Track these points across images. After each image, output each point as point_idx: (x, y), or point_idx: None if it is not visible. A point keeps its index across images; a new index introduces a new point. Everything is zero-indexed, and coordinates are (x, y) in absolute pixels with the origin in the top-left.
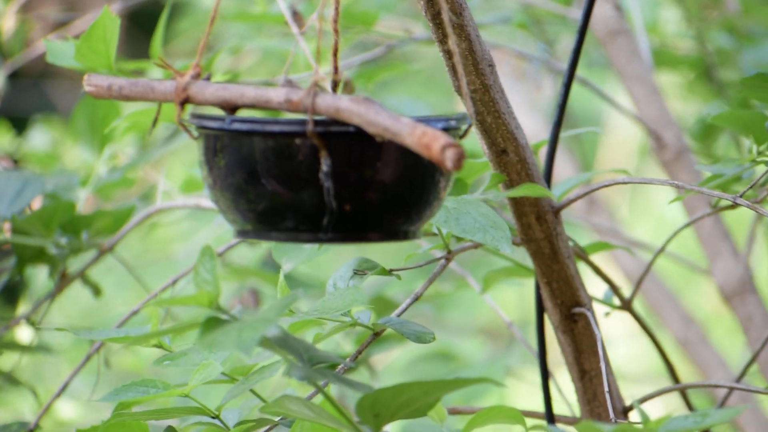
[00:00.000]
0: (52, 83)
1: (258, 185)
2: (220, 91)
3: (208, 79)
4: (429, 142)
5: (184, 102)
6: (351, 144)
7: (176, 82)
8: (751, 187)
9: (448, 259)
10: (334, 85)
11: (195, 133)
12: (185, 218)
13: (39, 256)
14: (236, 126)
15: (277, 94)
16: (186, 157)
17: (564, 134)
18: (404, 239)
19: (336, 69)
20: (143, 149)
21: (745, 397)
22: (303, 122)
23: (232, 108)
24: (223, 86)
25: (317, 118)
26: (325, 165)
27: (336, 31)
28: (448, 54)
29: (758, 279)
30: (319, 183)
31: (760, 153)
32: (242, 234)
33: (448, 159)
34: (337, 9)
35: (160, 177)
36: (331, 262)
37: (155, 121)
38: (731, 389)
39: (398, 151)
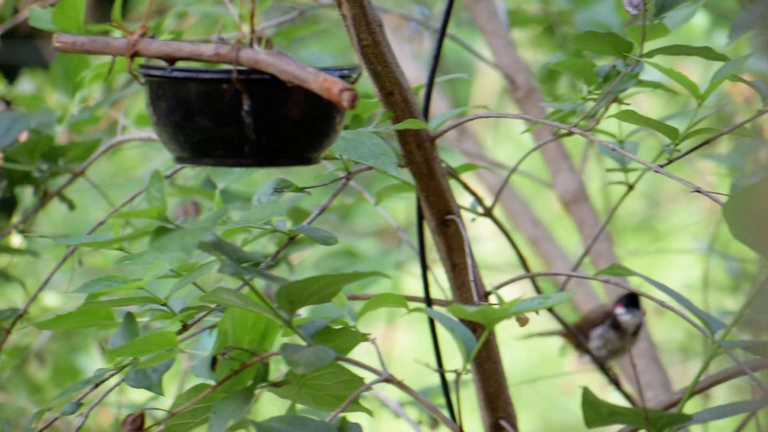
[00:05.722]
0: (41, 41)
1: (192, 121)
2: (162, 46)
3: (153, 37)
4: (329, 86)
5: (134, 55)
6: (267, 88)
7: (127, 39)
8: (583, 119)
9: (348, 179)
10: (252, 42)
11: (142, 80)
12: (141, 146)
13: (25, 178)
14: (175, 74)
15: (207, 49)
16: (140, 99)
17: (439, 79)
18: (308, 164)
19: (253, 29)
20: (107, 93)
21: (580, 283)
22: (229, 71)
23: (172, 60)
24: (165, 43)
25: (240, 68)
26: (246, 105)
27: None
28: (345, 17)
29: (590, 190)
30: (241, 119)
31: (589, 92)
32: (180, 160)
33: (345, 100)
34: None
35: (120, 115)
36: (261, 181)
37: (110, 70)
38: (569, 276)
39: (304, 94)
